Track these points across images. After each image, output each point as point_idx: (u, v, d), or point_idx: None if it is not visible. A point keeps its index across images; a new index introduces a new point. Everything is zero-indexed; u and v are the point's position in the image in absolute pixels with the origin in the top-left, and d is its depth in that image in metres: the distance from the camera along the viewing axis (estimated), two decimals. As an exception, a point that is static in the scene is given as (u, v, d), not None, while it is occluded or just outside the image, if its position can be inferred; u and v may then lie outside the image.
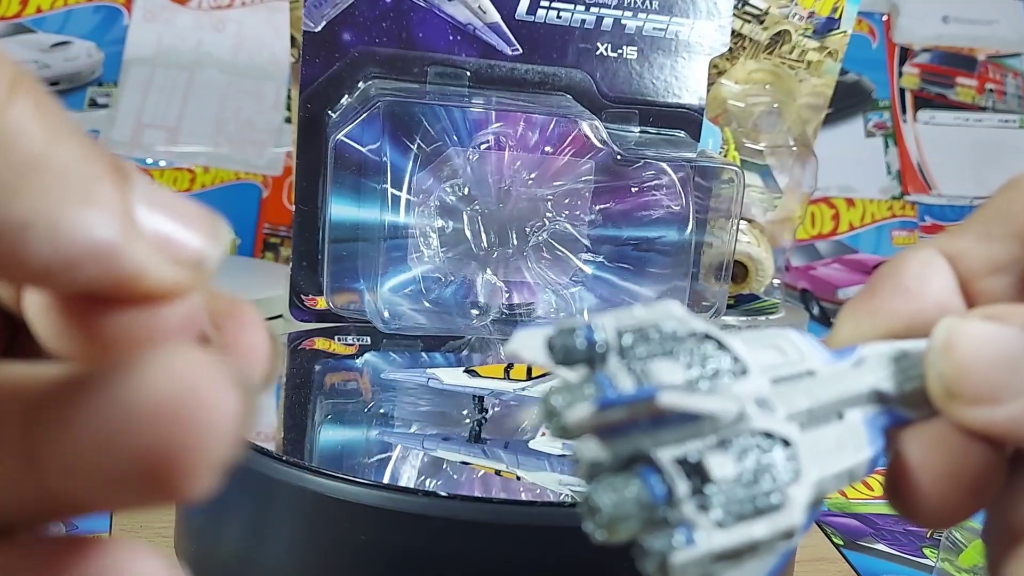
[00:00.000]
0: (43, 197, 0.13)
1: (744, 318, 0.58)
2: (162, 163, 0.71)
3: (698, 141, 0.48)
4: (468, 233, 0.47)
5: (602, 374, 0.16)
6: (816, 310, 0.80)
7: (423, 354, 0.46)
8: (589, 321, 0.17)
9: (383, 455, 0.36)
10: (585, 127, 0.46)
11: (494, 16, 0.46)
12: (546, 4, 0.46)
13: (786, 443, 0.16)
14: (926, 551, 0.48)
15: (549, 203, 0.47)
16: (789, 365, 0.18)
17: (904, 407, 0.19)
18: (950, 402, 0.18)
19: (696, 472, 0.15)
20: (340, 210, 0.44)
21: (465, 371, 0.41)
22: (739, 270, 0.55)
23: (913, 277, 0.21)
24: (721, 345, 0.17)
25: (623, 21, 0.47)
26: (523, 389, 0.39)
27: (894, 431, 0.19)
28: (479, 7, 0.46)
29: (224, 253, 0.15)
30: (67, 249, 0.13)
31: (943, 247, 0.21)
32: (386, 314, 0.45)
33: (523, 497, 0.35)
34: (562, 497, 0.34)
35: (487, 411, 0.39)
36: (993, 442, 0.18)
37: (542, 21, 0.46)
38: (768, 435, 0.16)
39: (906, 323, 0.20)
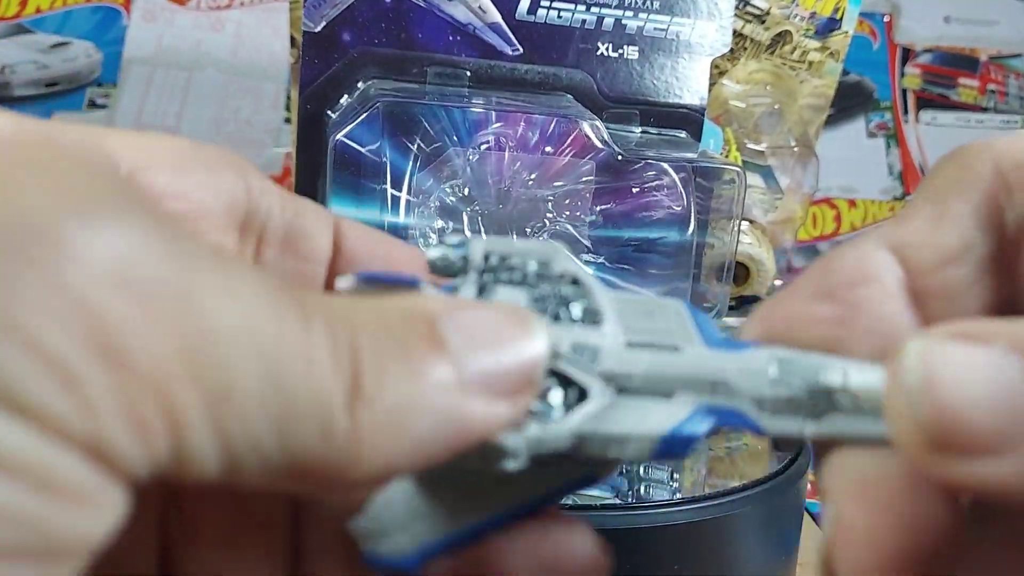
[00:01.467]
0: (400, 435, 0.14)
1: (746, 319, 0.58)
2: (161, 164, 0.71)
3: (699, 142, 0.48)
4: (468, 234, 0.47)
5: (450, 282, 0.17)
6: (817, 311, 0.80)
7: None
8: (465, 239, 0.18)
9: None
10: (586, 127, 0.45)
11: (494, 16, 0.46)
12: (547, 4, 0.46)
13: (582, 392, 0.16)
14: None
15: (549, 204, 0.47)
16: (655, 334, 0.17)
17: (758, 413, 0.17)
18: (933, 454, 0.15)
19: None
20: (340, 210, 0.44)
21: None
22: (740, 271, 0.55)
23: (843, 280, 0.18)
24: (584, 294, 0.17)
25: (624, 21, 0.46)
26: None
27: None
28: (479, 7, 0.45)
29: (545, 346, 0.16)
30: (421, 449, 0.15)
31: (888, 238, 0.18)
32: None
33: None
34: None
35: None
36: (975, 497, 0.16)
37: (543, 21, 0.46)
38: (569, 380, 0.16)
39: (828, 336, 0.18)
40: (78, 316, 0.12)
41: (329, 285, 0.20)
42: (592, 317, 0.17)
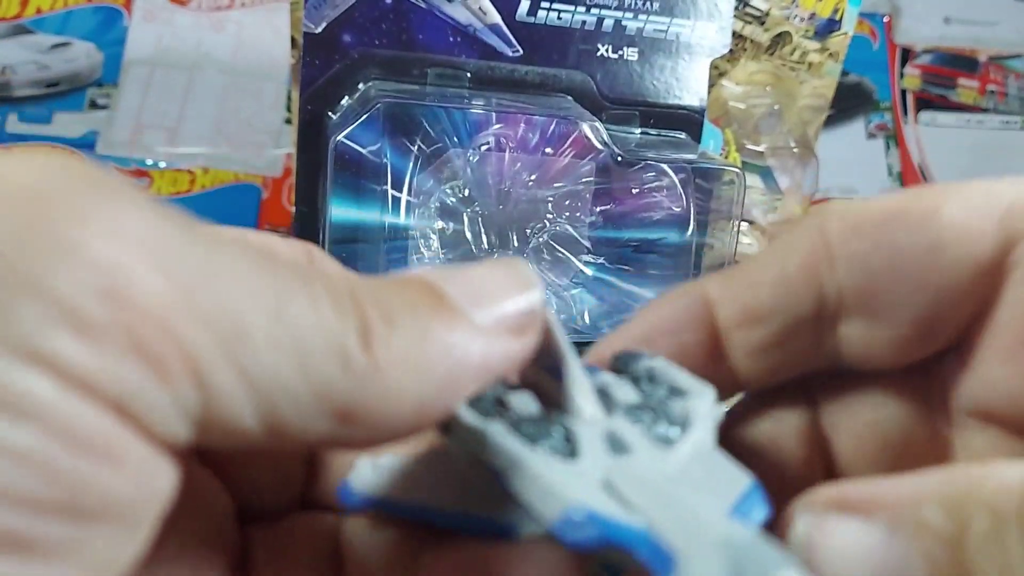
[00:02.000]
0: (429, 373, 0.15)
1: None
2: (161, 164, 0.71)
3: (699, 142, 0.48)
4: (468, 235, 0.47)
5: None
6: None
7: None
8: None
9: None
10: (586, 128, 0.45)
11: (494, 17, 0.46)
12: (547, 5, 0.46)
13: (572, 449, 0.16)
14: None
15: (549, 204, 0.47)
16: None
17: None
18: None
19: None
20: (340, 211, 0.44)
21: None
22: (740, 272, 0.55)
23: (659, 327, 0.19)
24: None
25: (624, 22, 0.46)
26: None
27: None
28: (479, 8, 0.45)
29: (541, 292, 0.17)
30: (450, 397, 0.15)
31: (708, 291, 0.19)
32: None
33: None
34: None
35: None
36: None
37: (543, 22, 0.46)
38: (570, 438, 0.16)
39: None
40: (90, 269, 0.13)
41: None
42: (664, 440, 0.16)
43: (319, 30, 0.45)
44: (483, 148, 0.46)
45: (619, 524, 0.14)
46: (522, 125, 0.45)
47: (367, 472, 0.18)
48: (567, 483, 0.14)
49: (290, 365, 0.14)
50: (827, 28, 0.60)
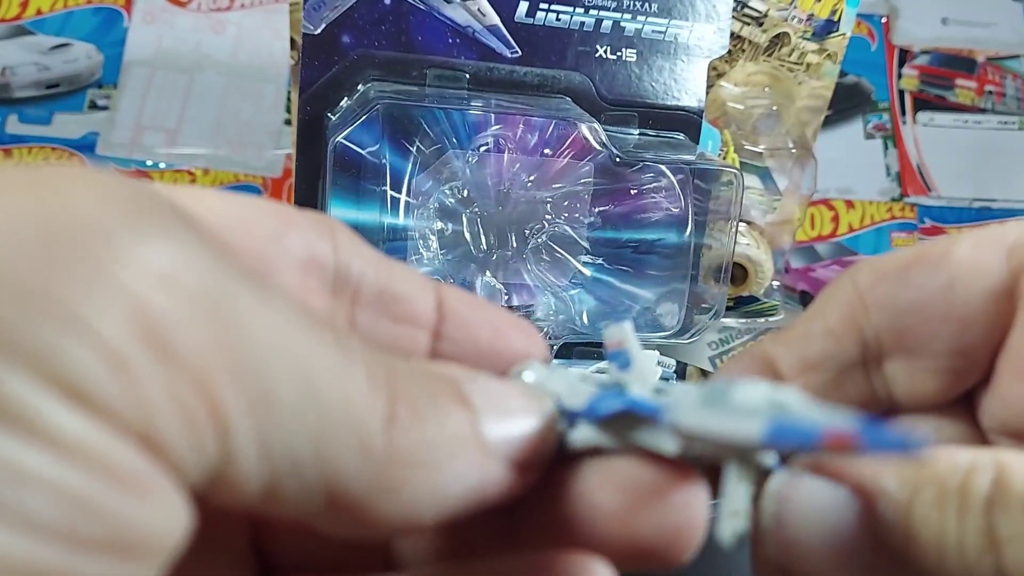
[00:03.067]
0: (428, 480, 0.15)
1: (744, 320, 0.58)
2: (162, 165, 0.71)
3: (697, 143, 0.48)
4: (467, 235, 0.47)
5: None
6: (815, 312, 0.80)
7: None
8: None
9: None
10: (584, 130, 0.46)
11: (493, 19, 0.46)
12: (545, 7, 0.46)
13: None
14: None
15: (548, 205, 0.47)
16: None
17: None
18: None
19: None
20: (339, 212, 0.44)
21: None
22: (738, 272, 0.55)
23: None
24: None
25: (622, 24, 0.47)
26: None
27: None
28: (478, 10, 0.46)
29: (552, 416, 0.18)
30: (449, 505, 0.15)
31: (765, 350, 0.22)
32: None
33: None
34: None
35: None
36: None
37: (541, 24, 0.46)
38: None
39: None
40: (130, 310, 0.13)
41: (435, 351, 0.20)
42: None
43: (318, 31, 0.45)
44: (482, 149, 0.46)
45: (641, 401, 0.17)
46: (521, 126, 0.46)
47: None
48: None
49: (309, 443, 0.14)
50: (825, 29, 0.60)
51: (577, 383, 0.18)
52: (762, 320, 0.58)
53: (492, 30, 0.46)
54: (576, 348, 0.49)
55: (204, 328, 0.13)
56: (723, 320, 0.55)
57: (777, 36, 0.59)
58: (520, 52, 0.46)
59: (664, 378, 0.48)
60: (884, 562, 0.16)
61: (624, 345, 0.18)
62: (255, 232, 0.18)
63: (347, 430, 0.14)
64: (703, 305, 0.49)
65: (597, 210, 0.47)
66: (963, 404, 0.21)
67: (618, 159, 0.46)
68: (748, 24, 0.59)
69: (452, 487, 0.15)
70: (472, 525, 0.17)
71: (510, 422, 0.16)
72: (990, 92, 0.89)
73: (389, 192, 0.45)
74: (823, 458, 0.17)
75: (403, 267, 0.19)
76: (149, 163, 0.71)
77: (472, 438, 0.16)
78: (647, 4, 0.47)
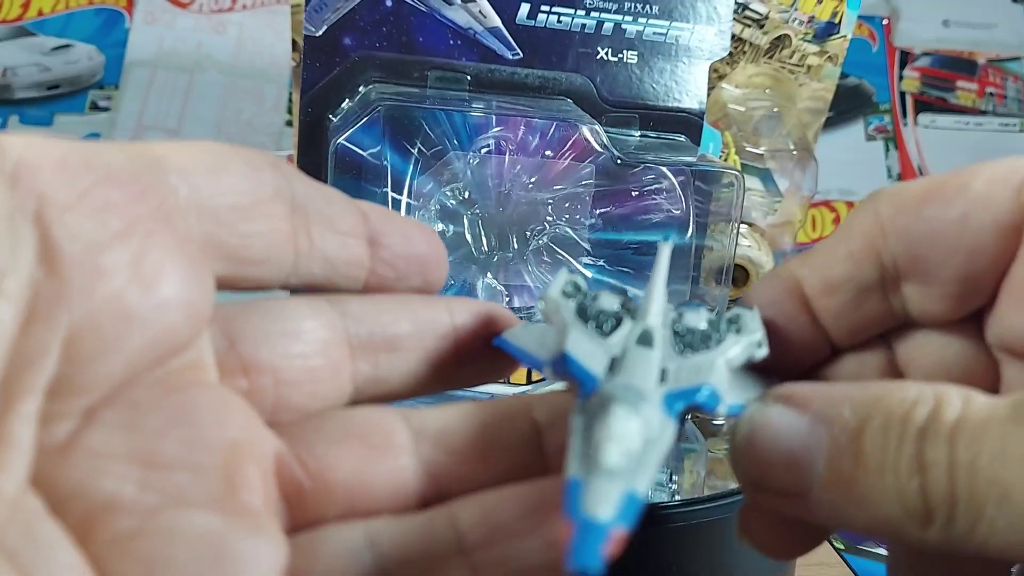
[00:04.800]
0: None
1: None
2: (163, 166, 0.71)
3: (698, 145, 0.48)
4: (468, 237, 0.47)
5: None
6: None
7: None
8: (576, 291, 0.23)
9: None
10: (585, 131, 0.46)
11: (495, 21, 0.46)
12: (547, 9, 0.46)
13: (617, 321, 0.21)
14: None
15: (549, 207, 0.47)
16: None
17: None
18: (754, 493, 0.20)
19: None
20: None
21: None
22: (740, 274, 0.55)
23: (764, 301, 0.23)
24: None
25: (623, 26, 0.47)
26: (523, 393, 0.39)
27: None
28: (480, 12, 0.46)
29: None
30: None
31: (792, 272, 0.23)
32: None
33: None
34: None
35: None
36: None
37: (543, 26, 0.46)
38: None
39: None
40: None
41: (373, 260, 0.22)
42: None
43: (320, 33, 0.45)
44: (483, 151, 0.46)
45: (581, 366, 0.20)
46: (522, 128, 0.46)
47: (518, 331, 0.23)
48: (579, 342, 0.20)
49: None
50: (826, 31, 0.60)
51: (545, 334, 0.22)
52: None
53: (493, 32, 0.46)
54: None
55: None
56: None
57: (778, 38, 0.59)
58: (521, 54, 0.46)
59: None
60: (835, 480, 0.18)
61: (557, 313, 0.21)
62: (233, 171, 0.19)
63: None
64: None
65: (598, 212, 0.47)
66: (972, 321, 0.22)
67: (619, 161, 0.46)
68: (749, 26, 0.59)
69: None
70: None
71: None
72: (991, 94, 0.89)
73: (390, 193, 0.45)
74: (788, 391, 0.19)
75: (328, 188, 0.22)
76: (150, 164, 0.71)
77: None
78: (648, 6, 0.47)
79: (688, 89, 0.48)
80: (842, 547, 0.49)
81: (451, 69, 0.46)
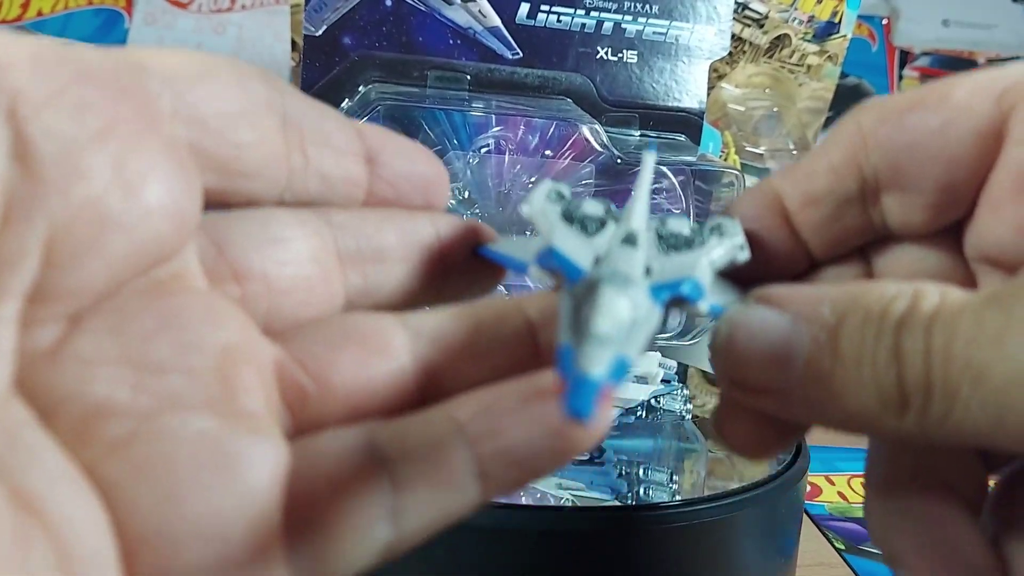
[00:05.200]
0: None
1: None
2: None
3: (698, 145, 0.48)
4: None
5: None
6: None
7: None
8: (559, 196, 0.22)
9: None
10: (585, 131, 0.46)
11: (494, 20, 0.46)
12: (546, 8, 0.46)
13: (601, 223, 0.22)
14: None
15: (549, 207, 0.47)
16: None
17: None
18: (732, 390, 0.20)
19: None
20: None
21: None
22: (739, 274, 0.55)
23: (747, 214, 0.23)
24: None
25: (623, 25, 0.47)
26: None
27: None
28: (479, 11, 0.46)
29: None
30: None
31: (773, 185, 0.23)
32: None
33: (522, 501, 0.35)
34: (562, 501, 0.34)
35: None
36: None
37: (542, 25, 0.46)
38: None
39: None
40: None
41: (371, 179, 0.21)
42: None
43: (319, 33, 0.45)
44: (483, 150, 0.46)
45: (567, 258, 0.20)
46: (522, 127, 0.46)
47: (503, 242, 0.23)
48: (565, 239, 0.20)
49: None
50: (826, 31, 0.60)
51: (529, 243, 0.22)
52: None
53: (493, 31, 0.46)
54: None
55: None
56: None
57: (778, 38, 0.59)
58: (521, 53, 0.46)
59: (665, 380, 0.48)
60: (813, 376, 0.18)
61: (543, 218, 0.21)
62: (221, 79, 0.19)
63: None
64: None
65: (598, 211, 0.47)
66: (951, 235, 0.22)
67: (619, 160, 0.46)
68: (749, 26, 0.59)
69: None
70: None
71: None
72: (991, 94, 0.89)
73: (390, 193, 0.45)
74: (768, 292, 0.20)
75: (322, 104, 0.21)
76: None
77: None
78: (648, 6, 0.47)
79: (688, 89, 0.48)
80: (843, 547, 0.49)
81: (451, 69, 0.46)
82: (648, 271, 0.20)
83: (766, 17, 0.58)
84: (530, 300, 0.21)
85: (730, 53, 0.50)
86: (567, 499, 0.34)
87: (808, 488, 0.51)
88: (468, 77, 0.46)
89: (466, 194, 0.46)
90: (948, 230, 0.22)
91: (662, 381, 0.46)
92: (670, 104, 0.48)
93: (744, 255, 0.22)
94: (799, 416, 0.19)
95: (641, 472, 0.39)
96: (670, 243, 0.21)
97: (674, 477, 0.40)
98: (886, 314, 0.18)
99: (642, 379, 0.44)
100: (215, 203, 0.19)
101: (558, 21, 0.46)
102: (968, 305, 0.17)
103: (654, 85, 0.47)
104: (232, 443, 0.17)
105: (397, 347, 0.19)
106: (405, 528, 0.18)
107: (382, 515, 0.17)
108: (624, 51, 0.47)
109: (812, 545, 0.48)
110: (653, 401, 0.47)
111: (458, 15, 0.45)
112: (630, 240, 0.20)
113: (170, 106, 0.17)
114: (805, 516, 0.46)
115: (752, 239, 0.23)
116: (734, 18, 0.55)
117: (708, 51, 0.48)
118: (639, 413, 0.46)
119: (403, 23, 0.45)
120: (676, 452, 0.44)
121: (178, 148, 0.17)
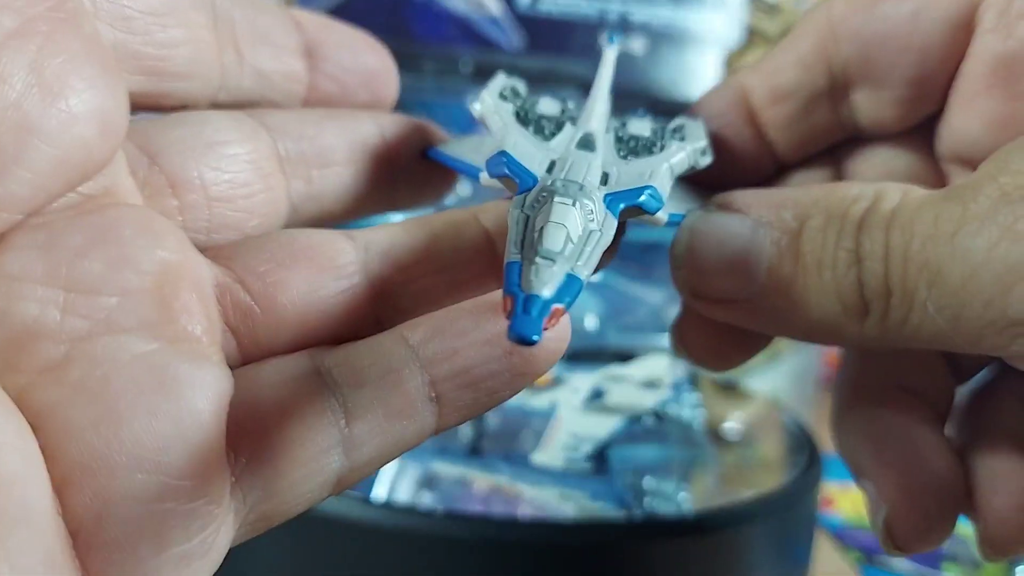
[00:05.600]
0: None
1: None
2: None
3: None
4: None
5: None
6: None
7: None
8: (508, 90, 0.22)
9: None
10: (590, 123, 0.44)
11: (495, 8, 0.44)
12: (549, -5, 0.44)
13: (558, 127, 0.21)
14: (944, 567, 0.46)
15: (552, 203, 0.46)
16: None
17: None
18: (694, 300, 0.19)
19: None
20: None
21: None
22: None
23: (710, 112, 0.23)
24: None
25: (629, 13, 0.45)
26: (524, 401, 0.38)
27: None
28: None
29: None
30: None
31: (741, 81, 0.23)
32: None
33: (523, 513, 0.34)
34: (564, 513, 0.33)
35: (486, 423, 0.38)
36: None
37: (545, 13, 0.44)
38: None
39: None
40: None
41: (312, 76, 0.21)
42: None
43: (313, 22, 0.43)
44: (483, 144, 0.44)
45: (520, 164, 0.19)
46: (524, 120, 0.44)
47: (453, 143, 0.22)
48: (518, 144, 0.19)
49: None
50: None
51: (481, 143, 0.21)
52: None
53: (493, 20, 0.44)
54: (583, 354, 0.47)
55: None
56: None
57: (790, 27, 0.58)
58: (523, 43, 0.45)
59: (675, 385, 0.46)
60: (775, 283, 0.18)
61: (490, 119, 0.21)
62: None
63: None
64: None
65: (603, 208, 0.46)
66: (921, 134, 0.22)
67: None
68: (762, 15, 0.57)
69: None
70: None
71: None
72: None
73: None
74: (729, 198, 0.19)
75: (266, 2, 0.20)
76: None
77: None
78: (656, -7, 0.45)
79: (697, 79, 0.46)
80: (859, 559, 0.47)
81: (450, 59, 0.44)
82: (605, 178, 0.19)
83: (778, 6, 0.57)
84: (487, 209, 0.19)
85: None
86: (569, 511, 0.33)
87: (823, 498, 0.50)
88: (468, 67, 0.45)
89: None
90: (919, 130, 0.22)
91: (671, 387, 0.45)
92: (678, 95, 0.46)
93: (706, 160, 0.21)
94: (763, 327, 0.19)
95: (648, 483, 0.38)
96: (630, 147, 0.20)
97: (683, 487, 0.39)
98: (847, 215, 0.17)
99: (650, 384, 0.42)
100: (144, 106, 0.18)
101: (561, 9, 0.45)
102: (927, 201, 0.17)
103: (661, 76, 0.46)
104: (172, 368, 0.15)
105: (347, 263, 0.18)
106: (358, 458, 0.17)
107: (333, 445, 0.16)
108: (631, 38, 0.45)
109: (828, 556, 0.47)
110: (661, 408, 0.45)
111: (457, 3, 0.44)
112: (587, 144, 0.20)
113: (91, 3, 0.16)
114: (820, 527, 0.45)
115: (717, 141, 0.22)
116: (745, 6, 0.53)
117: (718, 40, 0.46)
118: (646, 421, 0.45)
119: (400, 12, 0.44)
120: (685, 461, 0.43)
121: (101, 48, 0.16)
